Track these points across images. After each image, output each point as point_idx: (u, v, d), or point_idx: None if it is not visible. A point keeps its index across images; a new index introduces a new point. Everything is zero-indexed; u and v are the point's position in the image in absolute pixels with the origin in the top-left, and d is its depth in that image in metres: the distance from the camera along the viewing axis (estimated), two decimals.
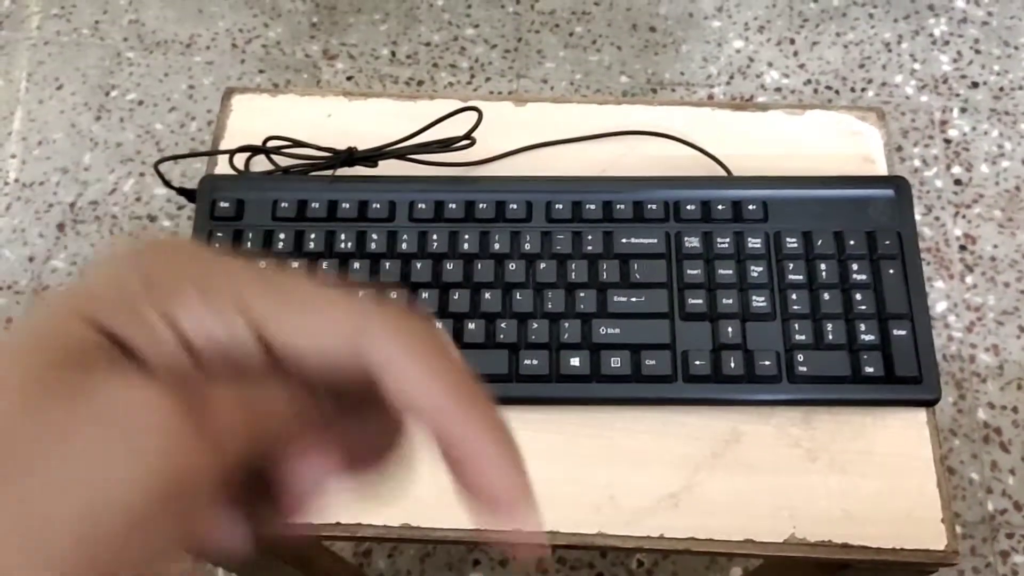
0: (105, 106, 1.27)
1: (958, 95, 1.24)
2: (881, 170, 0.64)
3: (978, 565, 0.81)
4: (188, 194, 0.62)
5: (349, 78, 1.29)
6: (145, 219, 1.17)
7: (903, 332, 0.56)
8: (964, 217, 1.15)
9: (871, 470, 0.54)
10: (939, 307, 1.01)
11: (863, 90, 1.26)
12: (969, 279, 1.07)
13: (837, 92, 1.27)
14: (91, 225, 1.17)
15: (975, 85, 1.25)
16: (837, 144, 0.65)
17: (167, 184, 0.66)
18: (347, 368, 0.20)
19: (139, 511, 0.17)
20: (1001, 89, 1.25)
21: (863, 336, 0.56)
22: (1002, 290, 1.07)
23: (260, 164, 0.64)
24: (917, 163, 1.25)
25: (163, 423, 0.17)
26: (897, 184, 0.61)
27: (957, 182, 1.22)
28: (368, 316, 0.21)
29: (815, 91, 1.28)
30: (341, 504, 0.53)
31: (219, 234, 0.59)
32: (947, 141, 1.29)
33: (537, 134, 0.65)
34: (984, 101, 1.23)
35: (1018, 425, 0.90)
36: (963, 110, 1.21)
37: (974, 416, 0.90)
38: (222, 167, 0.64)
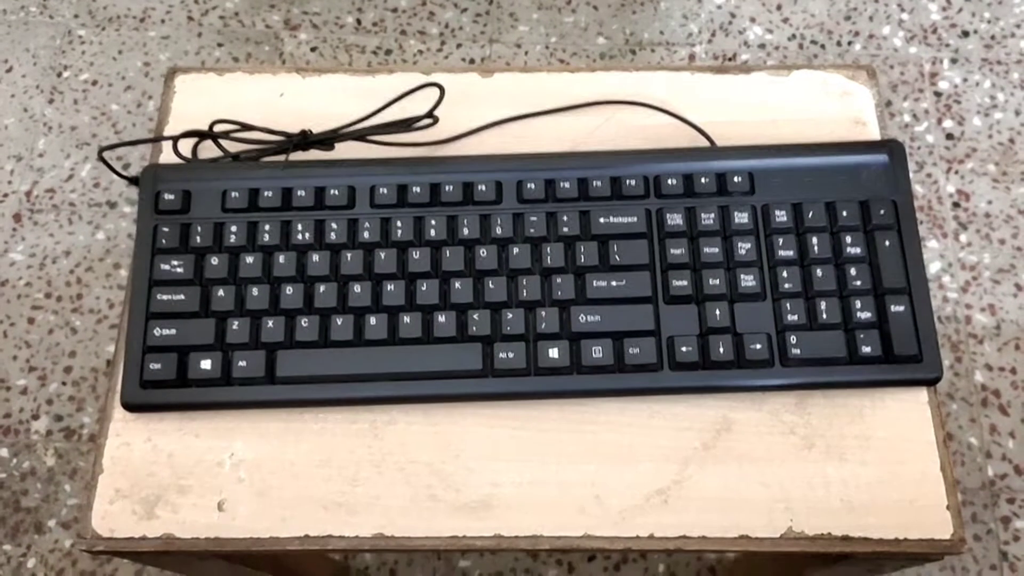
0: (57, 88, 1.21)
1: (948, 45, 1.19)
2: (873, 133, 0.60)
3: (979, 532, 0.78)
4: (138, 182, 0.58)
5: (313, 49, 1.23)
6: (105, 206, 1.12)
7: (901, 308, 0.53)
8: (957, 173, 1.11)
9: (870, 456, 0.51)
10: (933, 267, 0.98)
11: (849, 44, 1.21)
12: (963, 237, 1.03)
13: (823, 47, 1.22)
14: (49, 214, 1.12)
15: (965, 34, 1.21)
16: (826, 106, 0.61)
17: (115, 172, 0.61)
18: None
19: None
20: (992, 37, 1.21)
21: (859, 314, 0.52)
22: (997, 247, 1.03)
23: (208, 150, 0.59)
24: (907, 118, 1.21)
25: None
26: (891, 148, 0.57)
27: (949, 136, 1.18)
28: None
29: (800, 46, 1.23)
30: (309, 516, 0.50)
31: (164, 229, 0.54)
32: (937, 94, 1.25)
33: (506, 107, 0.60)
34: (975, 51, 1.19)
35: (1017, 387, 0.87)
36: (954, 61, 1.17)
37: (971, 379, 0.86)
38: (167, 154, 0.59)
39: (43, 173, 1.14)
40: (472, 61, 1.24)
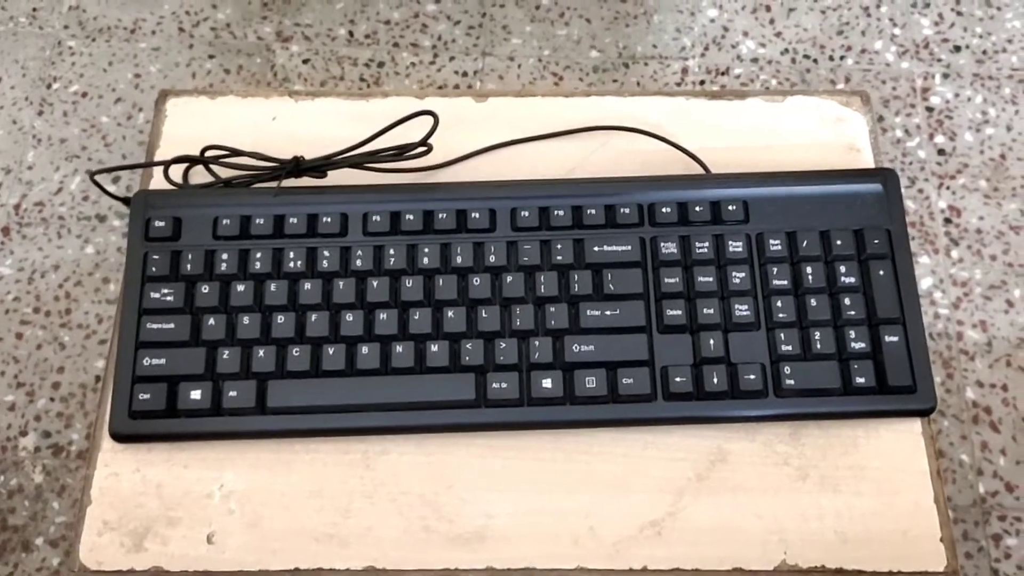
0: (47, 99, 1.20)
1: (940, 60, 1.19)
2: (867, 160, 0.60)
3: (970, 550, 0.78)
4: (129, 202, 0.57)
5: (305, 61, 1.23)
6: (94, 219, 1.11)
7: (895, 338, 0.53)
8: (948, 188, 1.11)
9: (864, 487, 0.51)
10: (924, 283, 0.98)
11: (842, 58, 1.22)
12: (955, 253, 1.04)
13: (815, 61, 1.22)
14: (38, 228, 1.11)
15: (957, 49, 1.21)
16: (820, 132, 0.61)
17: (107, 193, 0.61)
18: None
19: None
20: (984, 52, 1.21)
21: (853, 344, 0.52)
22: (988, 263, 1.03)
23: (200, 175, 0.59)
24: (899, 133, 1.21)
25: None
26: (885, 177, 0.57)
27: (940, 152, 1.18)
28: None
29: (793, 61, 1.23)
30: (300, 548, 0.49)
31: (155, 257, 0.54)
32: (929, 109, 1.25)
33: (499, 132, 0.60)
34: (967, 65, 1.19)
35: (1008, 404, 0.87)
36: (945, 76, 1.17)
37: (962, 396, 0.86)
38: (159, 178, 0.59)
39: (32, 186, 1.13)
40: (465, 74, 1.24)
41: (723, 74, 1.23)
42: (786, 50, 1.24)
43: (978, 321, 0.93)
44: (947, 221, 1.06)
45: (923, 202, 1.08)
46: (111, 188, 0.55)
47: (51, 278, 1.10)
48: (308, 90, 0.63)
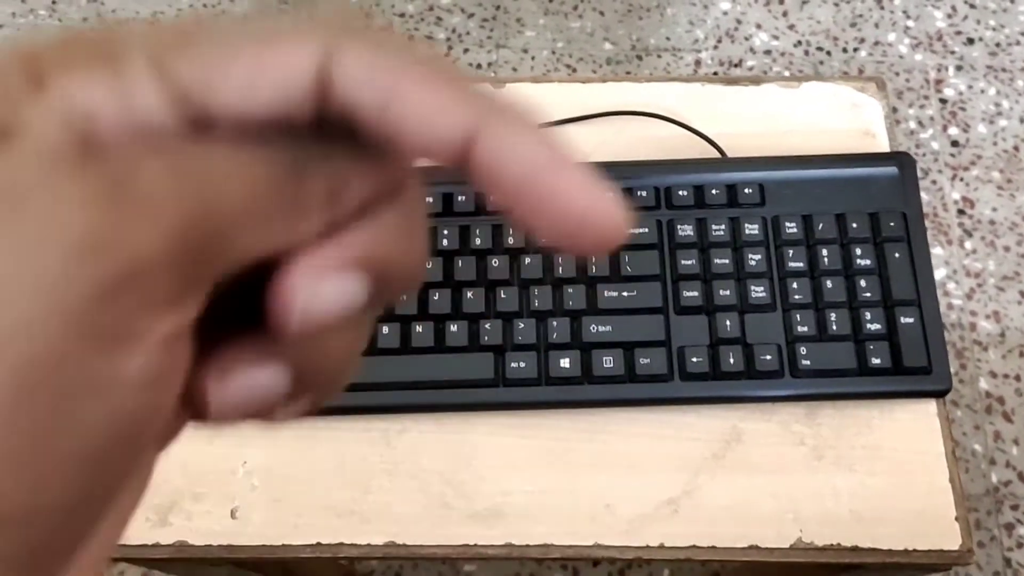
0: None
1: (953, 52, 1.19)
2: (882, 144, 0.60)
3: (983, 539, 0.78)
4: None
5: None
6: None
7: (911, 319, 0.53)
8: (962, 180, 1.11)
9: (879, 467, 0.51)
10: (938, 274, 0.98)
11: (855, 50, 1.22)
12: (968, 244, 1.04)
13: (829, 53, 1.23)
14: None
15: (971, 41, 1.21)
16: (835, 118, 0.61)
17: None
18: (308, 104, 0.15)
19: (73, 314, 0.12)
20: (998, 45, 1.21)
21: (868, 325, 0.53)
22: (1002, 254, 1.03)
23: None
24: (913, 125, 1.21)
25: (71, 196, 0.13)
26: (900, 161, 0.57)
27: (954, 143, 1.18)
28: (334, 38, 0.15)
29: (806, 53, 1.23)
30: (321, 523, 0.50)
31: None
32: (943, 101, 1.25)
33: None
34: (980, 58, 1.19)
35: (1021, 394, 0.87)
36: (959, 68, 1.17)
37: (976, 386, 0.87)
38: None
39: None
40: (479, 66, 1.24)
41: (736, 66, 1.24)
42: (799, 42, 1.24)
43: (992, 312, 0.93)
44: (960, 212, 1.06)
45: (936, 193, 1.08)
46: None
47: None
48: None
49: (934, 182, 1.11)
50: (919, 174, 1.17)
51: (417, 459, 0.52)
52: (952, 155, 1.15)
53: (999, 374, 0.88)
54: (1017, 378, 0.87)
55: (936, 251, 0.99)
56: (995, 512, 0.75)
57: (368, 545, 0.50)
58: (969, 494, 0.81)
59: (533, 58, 1.25)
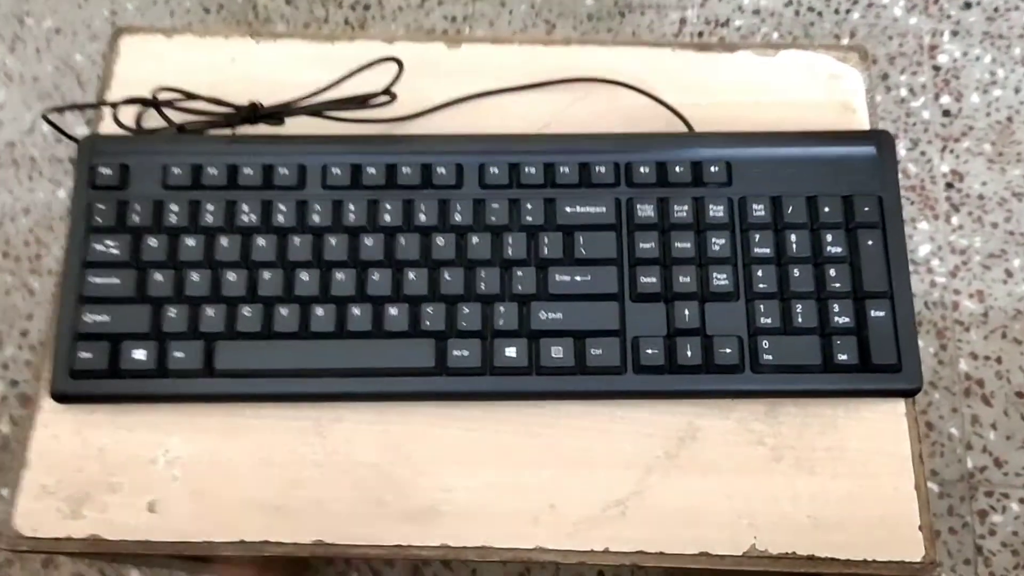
0: (20, 36, 1.15)
1: (949, 17, 1.14)
2: (862, 120, 0.56)
3: (955, 525, 0.76)
4: None
5: (288, 1, 1.18)
6: (67, 162, 1.07)
7: (881, 313, 0.50)
8: (952, 152, 1.07)
9: (842, 469, 0.48)
10: (922, 251, 0.94)
11: (848, 12, 1.16)
12: (955, 219, 1.00)
13: (820, 14, 1.17)
14: (8, 170, 1.07)
15: (968, 5, 1.16)
16: (813, 89, 0.57)
17: (64, 134, 0.57)
18: None
19: None
20: (996, 10, 1.16)
21: (836, 318, 0.49)
22: (989, 231, 0.99)
23: (155, 120, 0.55)
24: (904, 92, 1.16)
25: None
26: (879, 140, 0.53)
27: (946, 113, 1.14)
28: None
29: (796, 13, 1.18)
30: (245, 519, 0.47)
31: (100, 206, 0.51)
32: (936, 68, 1.20)
33: (472, 82, 0.56)
34: (977, 23, 1.14)
35: (1002, 377, 0.84)
36: (954, 33, 1.12)
37: (955, 367, 0.83)
38: (110, 122, 0.55)
39: (2, 126, 1.09)
40: (454, 19, 1.19)
41: (723, 25, 1.18)
42: (789, 2, 1.19)
43: (975, 291, 0.89)
44: (949, 186, 1.02)
45: (925, 165, 1.04)
46: (82, 130, 0.52)
47: (21, 222, 1.06)
48: (270, 31, 0.60)
49: (923, 153, 1.06)
50: (908, 144, 1.12)
51: (350, 452, 0.49)
52: (943, 125, 1.10)
53: (980, 355, 0.85)
54: (998, 360, 0.83)
55: (922, 226, 0.96)
56: (968, 499, 0.73)
57: (294, 544, 0.47)
58: (943, 480, 0.79)
59: (511, 12, 1.19)
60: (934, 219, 1.00)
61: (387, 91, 0.51)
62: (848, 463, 0.48)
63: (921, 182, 1.07)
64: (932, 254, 0.96)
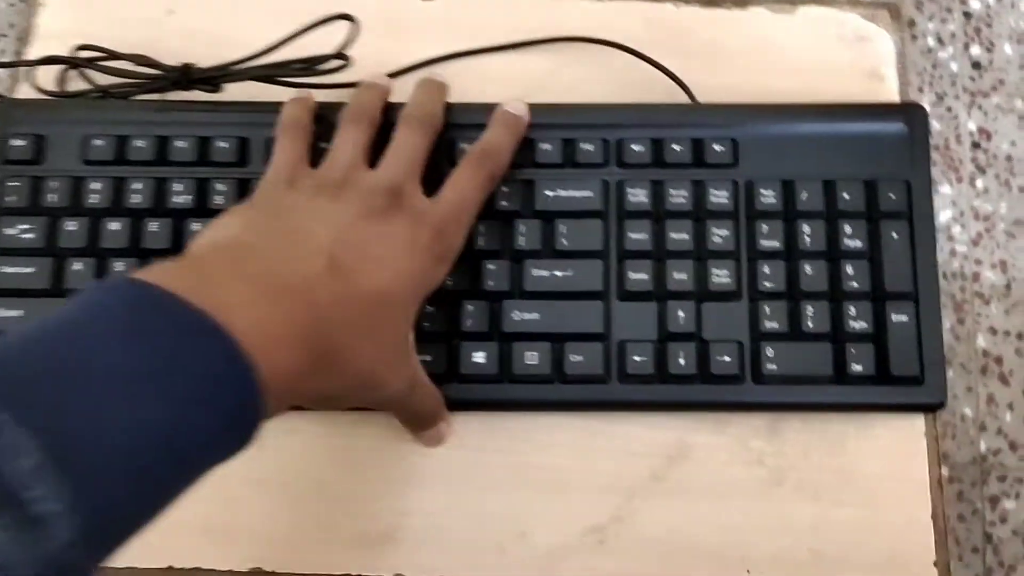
0: None
1: None
2: (891, 91, 0.50)
3: (964, 512, 0.69)
4: None
5: None
6: None
7: (904, 317, 0.43)
8: (980, 108, 0.97)
9: (849, 496, 0.43)
10: (944, 216, 0.85)
11: None
12: (980, 183, 0.91)
13: None
14: None
15: None
16: (836, 53, 0.50)
17: None
18: None
19: (417, 285, 0.38)
20: None
21: (852, 323, 0.43)
22: (1016, 196, 0.90)
23: (79, 83, 0.49)
24: (931, 41, 1.06)
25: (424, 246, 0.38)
26: (910, 115, 0.46)
27: (975, 65, 1.03)
28: None
29: None
30: (174, 544, 0.42)
31: (12, 184, 0.44)
32: (967, 15, 1.09)
33: (445, 41, 0.49)
34: None
35: (1022, 354, 0.76)
36: None
37: (972, 343, 0.76)
38: (27, 86, 0.49)
39: None
40: None
41: None
42: None
43: (998, 261, 0.81)
44: (975, 146, 0.93)
45: (951, 122, 0.94)
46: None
47: None
48: None
49: (949, 109, 0.96)
50: (933, 99, 1.03)
51: (295, 467, 0.43)
52: (972, 79, 1.00)
53: (999, 331, 0.77)
54: (1019, 336, 0.76)
55: (944, 189, 0.86)
56: (980, 483, 0.66)
57: (229, 571, 0.42)
58: (954, 462, 0.72)
59: None
60: (957, 182, 0.91)
61: (340, 54, 0.44)
62: (856, 488, 0.43)
63: (945, 141, 0.97)
64: (954, 220, 0.88)
